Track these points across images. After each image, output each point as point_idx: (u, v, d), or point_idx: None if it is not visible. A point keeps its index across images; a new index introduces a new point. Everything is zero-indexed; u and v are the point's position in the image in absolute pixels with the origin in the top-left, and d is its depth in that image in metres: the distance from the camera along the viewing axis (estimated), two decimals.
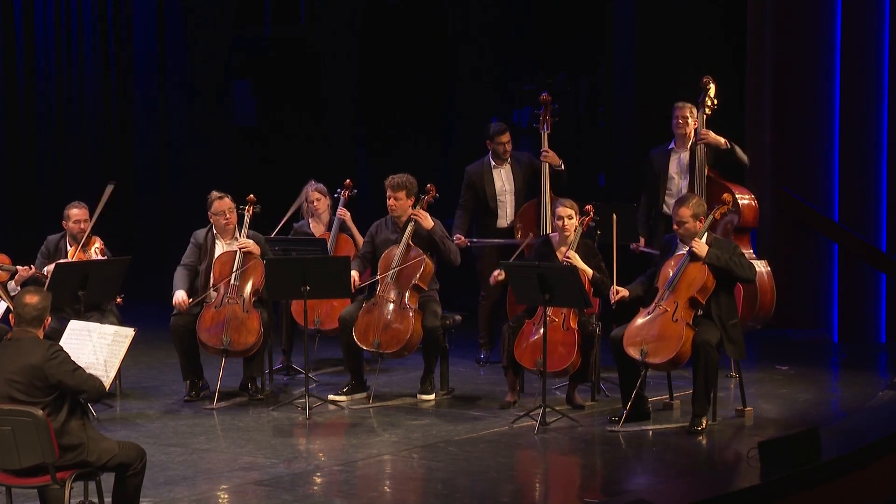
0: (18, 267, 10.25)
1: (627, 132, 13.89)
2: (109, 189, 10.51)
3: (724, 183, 10.77)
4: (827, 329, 12.65)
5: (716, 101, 10.82)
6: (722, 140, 10.78)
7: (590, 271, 9.70)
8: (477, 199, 11.38)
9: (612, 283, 9.46)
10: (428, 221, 10.21)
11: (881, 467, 8.39)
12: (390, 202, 10.30)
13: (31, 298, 6.86)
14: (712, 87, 10.82)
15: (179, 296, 10.12)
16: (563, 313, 9.57)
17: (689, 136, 10.87)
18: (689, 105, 10.88)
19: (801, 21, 12.55)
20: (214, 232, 10.36)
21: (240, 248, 10.20)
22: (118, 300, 10.28)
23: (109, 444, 6.88)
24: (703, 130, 10.78)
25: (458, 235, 11.13)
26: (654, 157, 11.06)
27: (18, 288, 10.20)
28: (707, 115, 10.81)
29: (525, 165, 11.40)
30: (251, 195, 10.45)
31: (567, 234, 9.82)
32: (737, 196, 10.72)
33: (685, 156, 10.92)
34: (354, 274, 10.18)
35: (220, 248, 10.33)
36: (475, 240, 11.18)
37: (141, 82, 16.15)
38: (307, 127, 16.03)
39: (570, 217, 9.82)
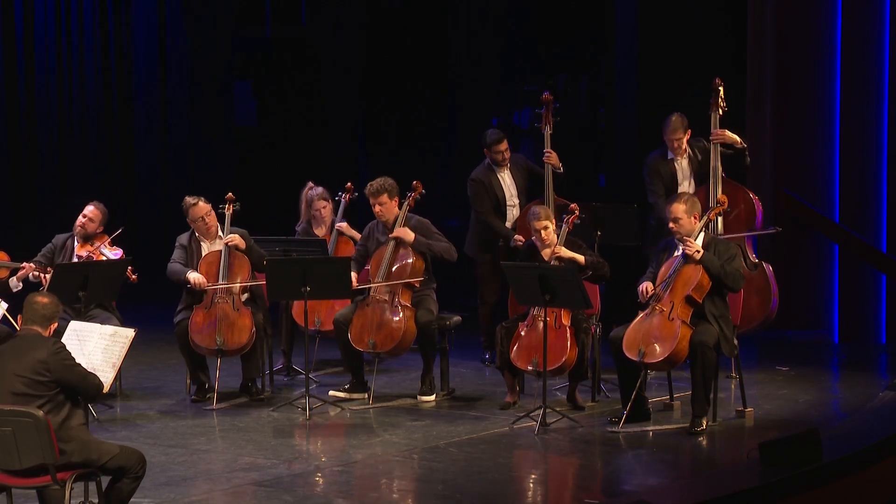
0: (24, 263, 10.26)
1: (628, 133, 13.88)
2: (118, 232, 10.52)
3: (739, 186, 10.80)
4: (827, 330, 12.64)
5: (726, 103, 10.83)
6: (738, 139, 10.79)
7: (581, 257, 9.68)
8: (491, 204, 11.29)
9: (646, 288, 9.36)
10: (409, 236, 10.18)
11: (882, 468, 8.39)
12: (376, 209, 10.30)
13: (42, 299, 6.98)
14: (722, 88, 10.84)
15: (197, 275, 10.06)
16: (555, 311, 9.55)
17: (686, 147, 10.90)
18: (676, 123, 10.83)
19: (801, 22, 12.54)
20: (197, 235, 10.35)
21: (226, 244, 10.18)
22: (133, 278, 10.25)
23: (110, 445, 6.90)
24: (719, 131, 10.78)
25: (518, 237, 10.91)
26: (659, 164, 10.99)
27: (20, 284, 10.22)
28: (720, 115, 10.83)
29: (522, 168, 11.37)
30: (230, 193, 10.41)
31: (547, 242, 9.77)
32: (752, 196, 10.79)
33: (685, 162, 10.95)
34: (353, 276, 10.18)
35: (205, 248, 10.32)
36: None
37: (141, 82, 16.15)
38: (308, 128, 16.03)
39: (545, 228, 9.76)
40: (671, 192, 10.85)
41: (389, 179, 10.34)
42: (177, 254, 10.33)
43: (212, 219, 10.27)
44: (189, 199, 10.32)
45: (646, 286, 9.30)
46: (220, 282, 10.09)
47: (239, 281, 10.12)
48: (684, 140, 10.90)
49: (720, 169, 10.77)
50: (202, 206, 10.26)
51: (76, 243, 10.44)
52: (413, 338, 10.10)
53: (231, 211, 10.35)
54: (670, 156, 10.97)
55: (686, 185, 10.92)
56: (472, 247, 11.39)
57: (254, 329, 10.01)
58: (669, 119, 10.91)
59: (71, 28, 15.95)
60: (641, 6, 13.71)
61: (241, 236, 10.27)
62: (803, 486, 7.95)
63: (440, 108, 15.85)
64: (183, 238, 10.39)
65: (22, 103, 15.99)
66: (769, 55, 12.56)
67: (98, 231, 10.50)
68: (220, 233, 10.31)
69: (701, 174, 10.88)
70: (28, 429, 6.52)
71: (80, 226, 10.43)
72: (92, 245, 10.37)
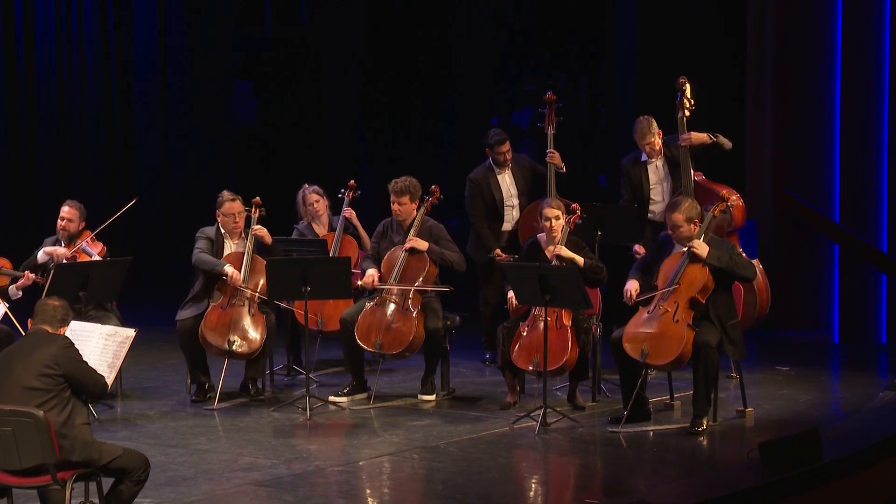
0: (25, 273, 10.24)
1: (628, 133, 13.88)
2: (132, 202, 10.53)
3: (712, 186, 10.76)
4: (827, 330, 12.64)
5: (693, 101, 10.79)
6: (705, 136, 10.77)
7: (581, 259, 9.69)
8: (485, 206, 11.32)
9: (629, 289, 9.38)
10: (422, 244, 10.18)
11: (882, 468, 8.39)
12: (394, 207, 10.29)
13: (55, 302, 7.08)
14: (688, 87, 10.79)
15: (234, 270, 10.05)
16: (556, 312, 9.55)
17: (660, 147, 10.89)
18: (644, 128, 10.80)
19: (801, 21, 12.55)
20: (223, 231, 10.37)
21: (255, 234, 10.19)
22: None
23: (114, 447, 6.91)
24: (685, 135, 10.75)
25: (498, 252, 11.06)
26: (629, 167, 11.03)
27: (20, 293, 10.22)
28: (687, 116, 10.79)
29: (525, 168, 11.39)
30: (257, 198, 10.44)
31: (554, 234, 9.80)
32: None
33: (660, 163, 10.93)
34: (374, 272, 10.14)
35: (228, 247, 10.32)
36: (515, 256, 10.97)
37: (142, 83, 16.15)
38: (308, 128, 16.04)
39: (556, 218, 9.79)
40: (640, 197, 10.88)
41: (415, 180, 10.33)
42: (203, 244, 10.31)
43: (242, 219, 10.31)
44: (227, 194, 10.34)
45: (632, 288, 9.29)
46: (241, 284, 10.07)
47: (260, 285, 10.09)
48: (657, 142, 10.87)
49: (692, 173, 10.75)
50: (238, 205, 10.29)
51: (62, 246, 10.42)
52: (421, 342, 10.09)
53: (258, 215, 10.37)
54: (643, 158, 10.98)
55: (665, 188, 10.87)
56: (473, 247, 11.39)
57: (266, 335, 10.01)
58: (636, 123, 10.92)
59: (71, 28, 15.95)
60: (641, 6, 13.71)
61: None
62: (803, 486, 7.95)
63: (440, 108, 15.86)
64: (209, 231, 10.38)
65: (22, 103, 15.99)
66: (769, 55, 12.56)
67: (81, 228, 10.48)
68: (243, 234, 10.32)
69: (677, 175, 10.84)
70: (28, 429, 6.52)
71: (61, 229, 10.42)
72: (74, 245, 10.36)
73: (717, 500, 7.70)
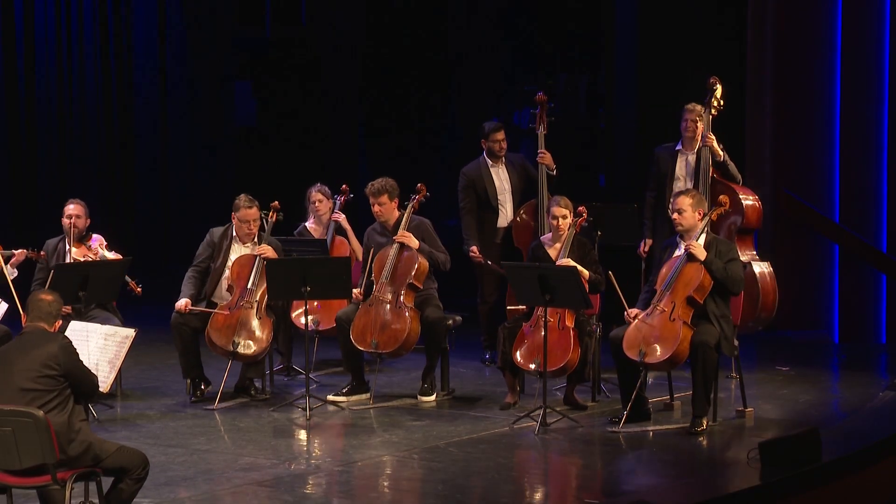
0: (14, 251, 10.26)
1: (628, 133, 13.90)
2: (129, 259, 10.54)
3: (728, 184, 10.77)
4: (827, 330, 12.64)
5: (722, 103, 10.80)
6: (720, 151, 10.76)
7: (586, 273, 9.70)
8: (478, 201, 11.36)
9: (625, 308, 9.39)
10: (413, 243, 10.17)
11: (882, 468, 8.39)
12: (375, 209, 10.30)
13: (46, 296, 7.03)
14: (719, 87, 10.78)
15: (182, 302, 10.08)
16: (559, 313, 9.56)
17: (698, 139, 10.85)
18: (699, 107, 10.83)
19: (801, 21, 12.55)
20: (234, 234, 10.34)
21: (259, 255, 10.16)
22: (138, 290, 10.26)
23: (112, 445, 6.90)
24: (709, 135, 10.75)
25: (474, 249, 11.11)
26: (660, 155, 11.04)
27: (15, 271, 10.23)
28: (713, 115, 10.79)
29: (518, 167, 11.40)
30: (276, 202, 10.42)
31: (561, 233, 9.82)
32: (741, 197, 10.74)
33: (692, 158, 10.89)
34: (355, 291, 10.14)
35: (237, 250, 10.28)
36: (489, 263, 11.06)
37: (141, 83, 16.16)
38: (308, 128, 16.05)
39: (564, 217, 9.82)
40: (662, 187, 10.88)
41: (391, 180, 10.35)
42: (201, 251, 10.28)
43: (256, 227, 10.25)
44: (244, 200, 10.22)
45: (630, 313, 9.29)
46: (250, 286, 10.06)
47: (266, 289, 10.06)
48: (697, 126, 10.81)
49: (711, 171, 10.75)
50: (254, 212, 10.22)
51: (68, 245, 10.41)
52: (416, 339, 10.09)
53: (274, 219, 10.35)
54: (677, 147, 10.95)
55: (683, 183, 10.83)
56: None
57: (270, 339, 9.99)
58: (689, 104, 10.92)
59: (71, 28, 15.95)
60: (641, 6, 13.72)
61: (275, 248, 10.27)
62: (803, 486, 7.95)
63: (440, 108, 15.87)
64: (216, 233, 10.34)
65: (22, 103, 15.99)
66: (769, 55, 12.56)
67: (87, 224, 10.48)
68: (255, 239, 10.28)
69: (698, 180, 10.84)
70: (28, 429, 6.52)
71: (73, 227, 10.39)
72: (89, 248, 10.35)
73: (717, 500, 7.71)
